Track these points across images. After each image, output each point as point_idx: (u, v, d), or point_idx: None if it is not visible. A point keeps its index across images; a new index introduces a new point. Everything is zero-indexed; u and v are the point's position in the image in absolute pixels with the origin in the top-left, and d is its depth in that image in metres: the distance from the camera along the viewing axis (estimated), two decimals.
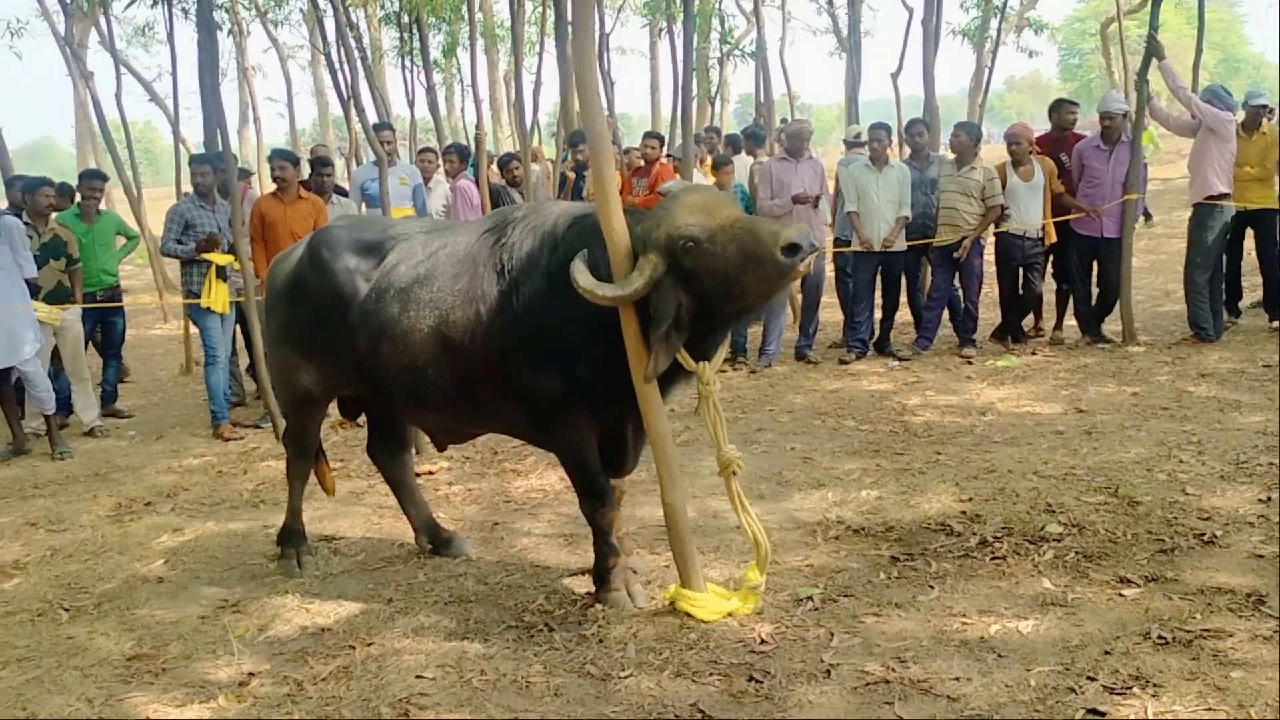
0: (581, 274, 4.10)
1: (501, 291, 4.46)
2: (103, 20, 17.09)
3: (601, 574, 4.71)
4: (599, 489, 4.65)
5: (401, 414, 5.30)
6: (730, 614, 4.42)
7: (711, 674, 3.98)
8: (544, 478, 6.72)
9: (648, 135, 11.51)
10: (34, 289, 8.38)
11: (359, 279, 4.85)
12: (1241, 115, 9.69)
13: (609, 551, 4.70)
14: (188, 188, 9.59)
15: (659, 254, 4.07)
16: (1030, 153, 9.57)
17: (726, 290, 4.06)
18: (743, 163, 12.13)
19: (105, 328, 9.40)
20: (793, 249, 3.88)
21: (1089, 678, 3.75)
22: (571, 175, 11.89)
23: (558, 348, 4.37)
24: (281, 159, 8.88)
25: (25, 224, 8.43)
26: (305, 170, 9.83)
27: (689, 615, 4.42)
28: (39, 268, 8.39)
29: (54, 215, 8.87)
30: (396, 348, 4.69)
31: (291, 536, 5.50)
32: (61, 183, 10.11)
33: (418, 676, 4.10)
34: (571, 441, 4.60)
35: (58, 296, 8.55)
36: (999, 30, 17.36)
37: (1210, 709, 3.49)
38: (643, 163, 11.01)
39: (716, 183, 9.61)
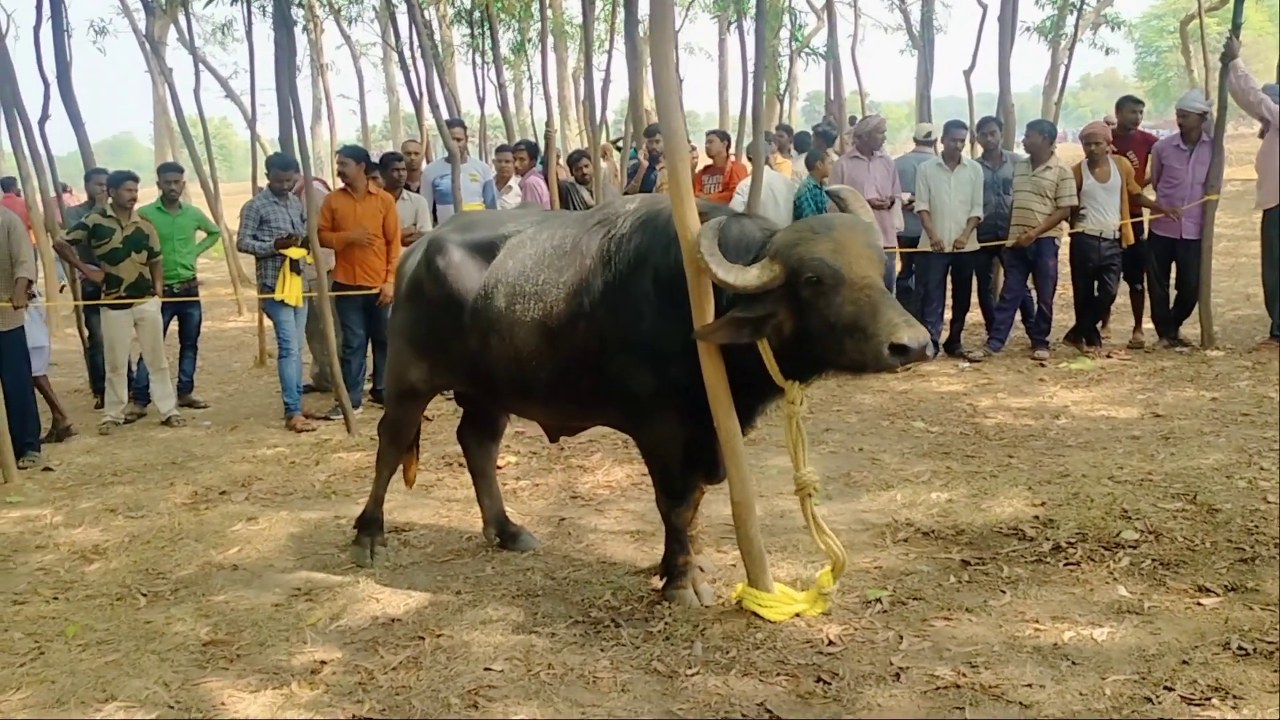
0: (707, 239, 4.04)
1: (606, 283, 4.46)
2: (182, 18, 17.47)
3: (670, 570, 4.73)
4: (678, 489, 4.66)
5: (509, 408, 5.36)
6: (797, 615, 4.40)
7: (779, 674, 3.96)
8: (611, 474, 6.74)
9: (711, 133, 11.49)
10: (115, 281, 8.60)
11: (471, 281, 4.91)
12: None
13: (679, 549, 4.70)
14: (263, 183, 9.76)
15: (783, 269, 3.97)
16: (1107, 153, 9.38)
17: (825, 339, 3.95)
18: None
19: (182, 320, 9.59)
20: (900, 350, 3.73)
21: (1166, 688, 3.67)
22: (644, 163, 11.91)
23: (655, 345, 4.36)
24: (343, 155, 9.00)
25: (108, 216, 8.64)
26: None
27: (756, 615, 4.41)
28: (120, 260, 8.60)
29: (137, 208, 9.05)
30: (503, 340, 4.75)
31: (369, 524, 5.56)
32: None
33: (486, 668, 4.14)
34: (659, 439, 4.62)
35: (138, 289, 8.73)
36: (1076, 27, 17.04)
37: None
38: (709, 160, 11.01)
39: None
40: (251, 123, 16.48)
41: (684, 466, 4.63)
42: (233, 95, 19.06)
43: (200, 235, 10.06)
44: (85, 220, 8.84)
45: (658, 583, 4.82)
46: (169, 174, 9.84)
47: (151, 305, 8.87)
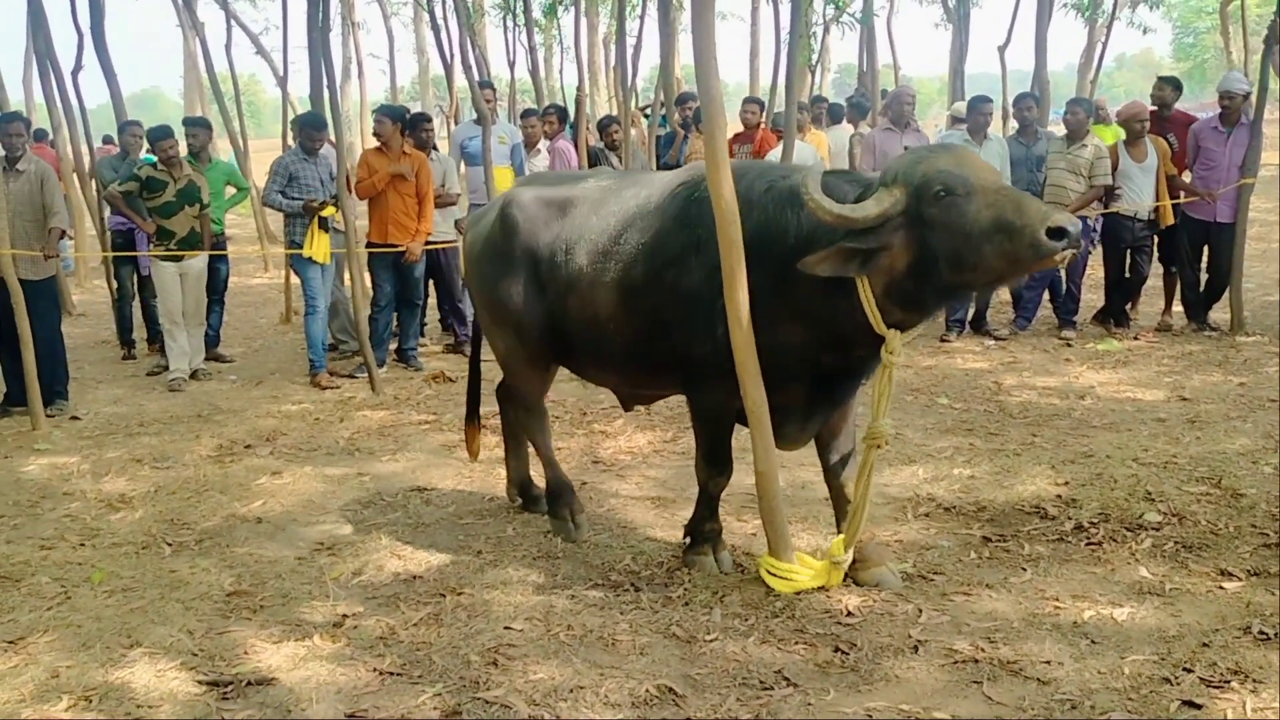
0: (813, 182, 3.86)
1: (683, 245, 4.34)
2: None
3: (695, 534, 4.73)
4: (720, 457, 4.62)
5: (586, 374, 5.26)
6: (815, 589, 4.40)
7: (797, 642, 3.98)
8: (633, 440, 6.76)
9: (747, 100, 11.42)
10: (166, 234, 8.55)
11: (548, 234, 4.80)
12: None
13: (708, 515, 4.70)
14: (292, 142, 9.77)
15: (905, 191, 3.80)
16: (1143, 133, 9.27)
17: (960, 254, 3.74)
18: (844, 132, 11.99)
19: (210, 274, 9.60)
20: (1059, 233, 3.55)
21: (1186, 669, 3.67)
22: (681, 131, 11.86)
23: (720, 311, 4.20)
24: (381, 114, 9.01)
25: (159, 169, 8.57)
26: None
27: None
28: (174, 214, 8.53)
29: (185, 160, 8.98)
30: (582, 300, 4.67)
31: (559, 494, 5.31)
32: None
33: (506, 627, 4.17)
34: (710, 405, 4.55)
35: (189, 243, 8.66)
36: (1114, 4, 16.82)
37: None
38: (742, 128, 10.95)
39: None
40: (282, 80, 16.46)
41: (729, 438, 4.59)
42: (263, 52, 18.98)
43: (230, 190, 10.09)
44: (138, 172, 8.73)
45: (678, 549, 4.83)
46: (191, 128, 9.85)
47: (199, 260, 8.84)
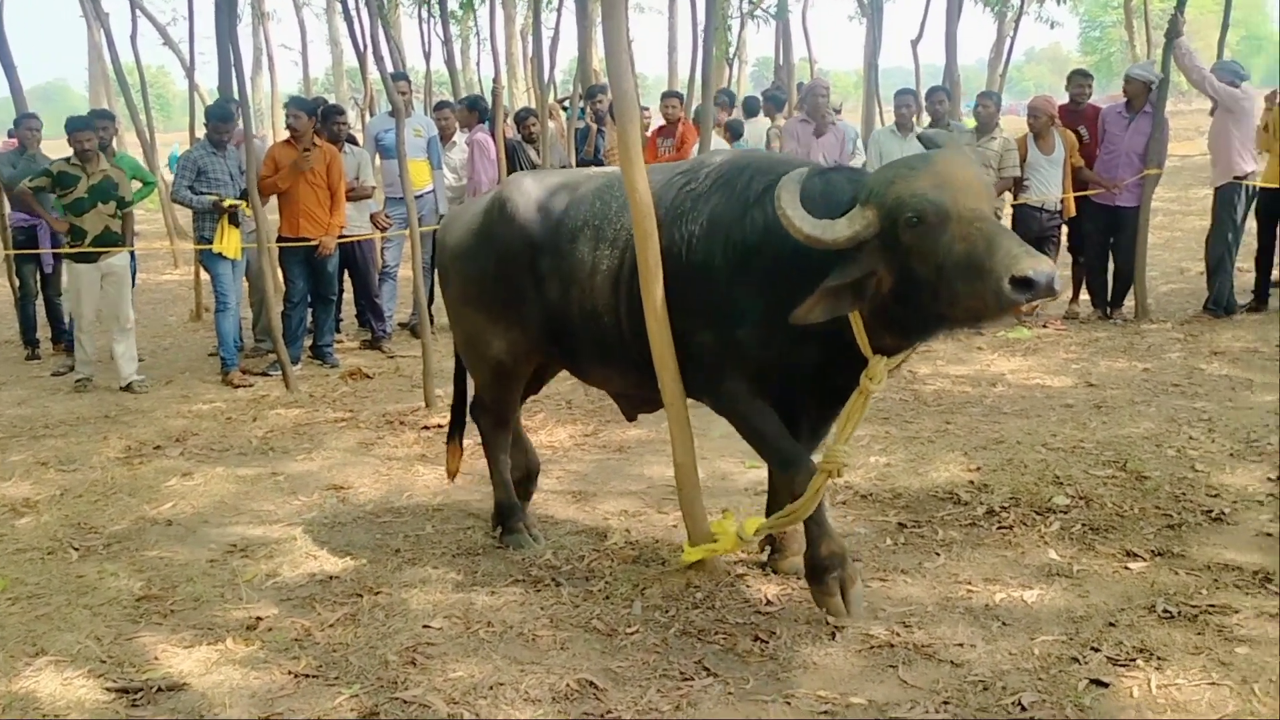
0: (788, 192, 3.58)
1: (678, 237, 4.11)
2: None
3: (815, 566, 4.16)
4: (786, 453, 4.16)
5: (588, 376, 4.93)
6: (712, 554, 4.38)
7: (717, 633, 4.01)
8: (554, 434, 6.74)
9: (666, 95, 11.44)
10: (79, 233, 8.12)
11: (550, 222, 4.50)
12: None
13: (821, 533, 4.13)
14: (201, 134, 9.54)
15: (878, 214, 3.50)
16: (1051, 125, 9.47)
17: (935, 287, 3.45)
18: (761, 125, 12.08)
19: None
20: (1024, 284, 3.22)
21: (1093, 648, 3.76)
22: (594, 126, 11.85)
23: (719, 311, 4.00)
24: (295, 108, 8.86)
25: (73, 164, 8.22)
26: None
27: (692, 572, 4.44)
28: (85, 211, 8.10)
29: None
30: (582, 291, 4.40)
31: (509, 514, 5.06)
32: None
33: (425, 626, 4.14)
34: (735, 410, 4.23)
35: (105, 241, 8.22)
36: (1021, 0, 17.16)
37: (1213, 683, 3.50)
38: (664, 121, 10.98)
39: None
40: (190, 72, 16.06)
41: (783, 427, 4.15)
42: (170, 43, 18.47)
43: (136, 185, 9.83)
44: (50, 167, 8.34)
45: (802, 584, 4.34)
46: (99, 121, 9.56)
47: (120, 260, 8.36)
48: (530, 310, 4.61)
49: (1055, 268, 3.32)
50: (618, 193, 4.37)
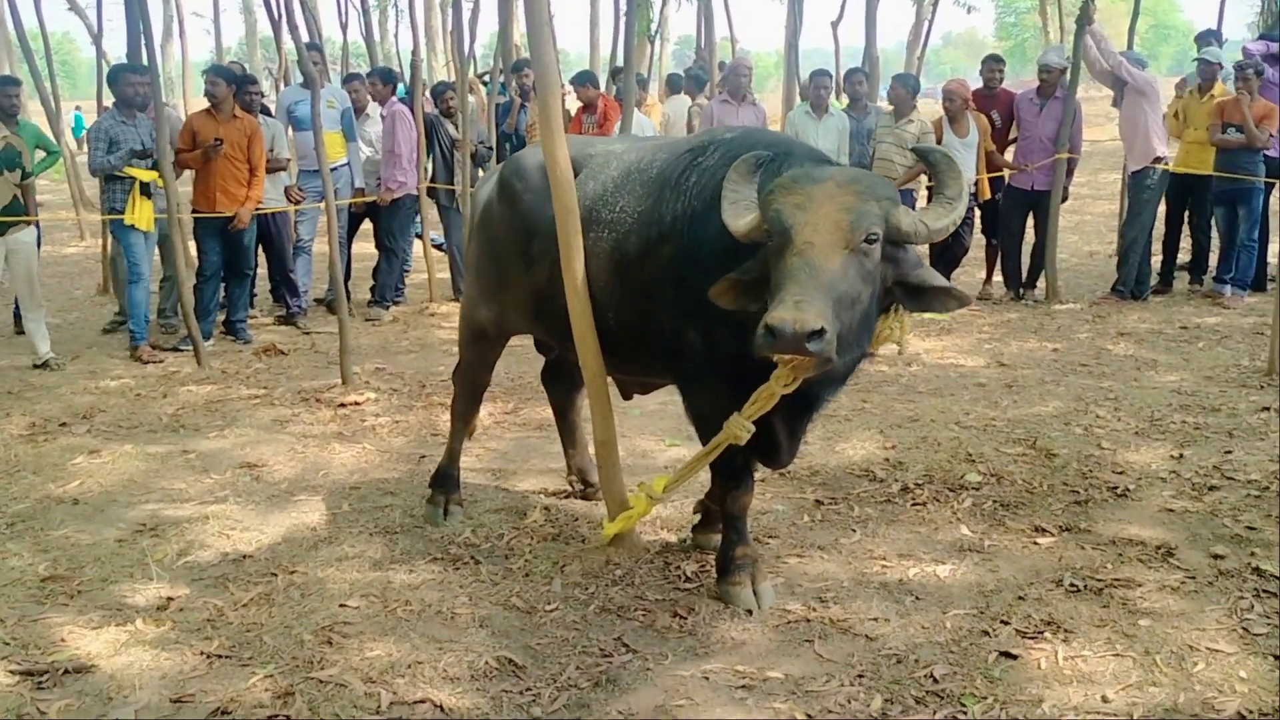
0: (737, 173, 3.54)
1: (675, 217, 3.90)
2: None
3: (725, 564, 4.16)
4: (734, 467, 4.08)
5: (574, 356, 4.60)
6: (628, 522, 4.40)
7: (636, 609, 4.02)
8: None
9: (580, 78, 11.38)
10: None
11: (547, 206, 4.26)
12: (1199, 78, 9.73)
13: (737, 539, 4.15)
14: (109, 102, 9.25)
15: (759, 219, 3.44)
16: (965, 109, 9.62)
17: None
18: (682, 104, 12.08)
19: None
20: (765, 331, 3.10)
21: (1003, 621, 3.86)
22: (518, 100, 11.75)
23: (706, 299, 3.63)
24: (214, 75, 8.63)
25: None
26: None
27: (611, 550, 4.46)
28: None
29: None
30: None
31: (444, 481, 5.06)
32: None
33: (341, 605, 4.09)
34: (704, 409, 4.08)
35: (10, 212, 7.85)
36: None
37: (1118, 654, 3.61)
38: (580, 103, 10.93)
39: None
40: (97, 39, 15.59)
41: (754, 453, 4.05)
42: (76, 8, 17.96)
43: (39, 154, 9.50)
44: None
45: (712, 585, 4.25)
46: (5, 88, 9.21)
47: (26, 234, 7.97)
48: (519, 288, 4.60)
49: (801, 324, 3.05)
50: (615, 170, 4.26)
